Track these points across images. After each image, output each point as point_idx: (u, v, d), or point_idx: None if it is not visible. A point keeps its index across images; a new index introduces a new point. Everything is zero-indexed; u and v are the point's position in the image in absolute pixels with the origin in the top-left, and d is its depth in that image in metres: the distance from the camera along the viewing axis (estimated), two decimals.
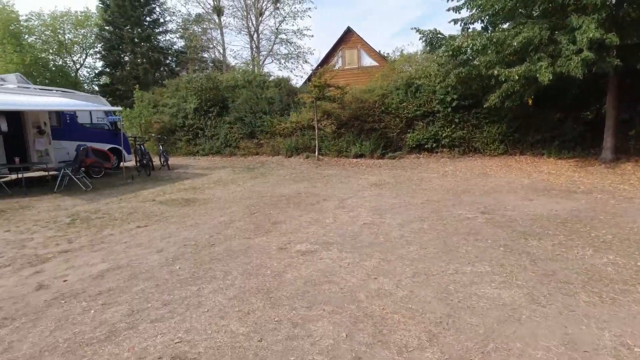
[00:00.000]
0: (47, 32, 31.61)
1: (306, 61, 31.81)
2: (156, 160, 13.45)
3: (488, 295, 3.25)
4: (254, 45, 30.57)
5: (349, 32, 22.04)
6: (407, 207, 6.56)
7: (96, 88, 31.03)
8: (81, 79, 34.36)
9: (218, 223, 5.89)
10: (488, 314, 2.95)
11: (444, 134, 12.70)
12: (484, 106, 11.20)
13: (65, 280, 3.86)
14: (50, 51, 32.45)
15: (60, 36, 32.34)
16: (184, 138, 17.27)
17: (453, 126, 12.67)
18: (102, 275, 3.95)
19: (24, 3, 39.81)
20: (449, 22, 10.87)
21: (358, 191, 8.20)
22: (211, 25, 30.34)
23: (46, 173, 11.30)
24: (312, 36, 48.81)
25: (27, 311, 3.23)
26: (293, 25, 33.50)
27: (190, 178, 10.92)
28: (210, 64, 31.72)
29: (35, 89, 11.33)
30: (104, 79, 30.18)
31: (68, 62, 34.16)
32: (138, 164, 12.52)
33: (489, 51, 9.58)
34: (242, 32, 31.23)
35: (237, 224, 5.82)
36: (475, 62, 10.12)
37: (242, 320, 2.93)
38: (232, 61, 31.74)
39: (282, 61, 30.51)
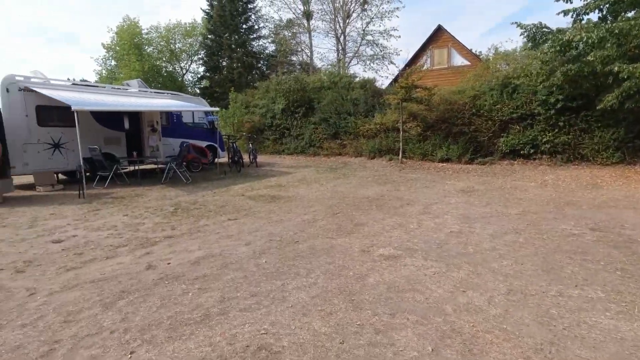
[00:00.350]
0: (161, 43, 35.86)
1: (392, 62, 31.32)
2: (246, 158, 14.38)
3: (602, 326, 2.83)
4: (340, 47, 30.97)
5: (439, 31, 21.12)
6: (500, 218, 6.05)
7: (197, 90, 34.29)
8: (186, 82, 38.27)
9: (302, 221, 6.07)
10: (603, 348, 2.56)
11: (545, 139, 11.44)
12: (597, 108, 9.85)
13: (169, 263, 4.31)
14: (163, 59, 36.72)
15: (171, 45, 36.42)
16: (271, 137, 18.20)
17: (556, 130, 11.34)
18: (198, 262, 4.32)
19: (146, 19, 45.98)
20: (558, 13, 9.75)
21: (444, 197, 7.80)
22: (300, 30, 31.50)
23: (155, 166, 12.80)
24: (399, 37, 47.85)
25: (139, 287, 3.67)
26: (380, 26, 33.13)
27: (276, 176, 11.46)
28: (298, 67, 32.94)
29: (151, 92, 12.91)
30: (204, 82, 33.20)
31: (176, 68, 38.32)
32: (230, 161, 13.51)
33: (608, 45, 8.40)
34: (330, 34, 31.68)
35: (320, 223, 5.93)
36: (589, 57, 8.94)
37: (324, 320, 2.96)
38: (318, 63, 32.59)
39: (368, 62, 30.40)
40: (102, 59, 35.62)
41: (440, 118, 13.52)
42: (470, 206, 6.93)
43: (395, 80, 19.22)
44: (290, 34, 31.76)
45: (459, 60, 20.43)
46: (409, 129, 13.95)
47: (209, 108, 14.29)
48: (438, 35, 21.17)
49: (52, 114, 9.66)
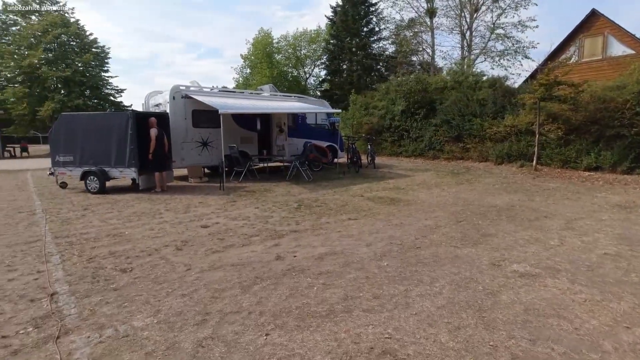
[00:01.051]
0: (289, 50, 38.83)
1: (527, 56, 27.94)
2: (364, 159, 14.55)
3: None
4: (466, 44, 28.95)
5: (592, 16, 18.05)
6: None
7: (318, 93, 36.12)
8: (308, 86, 40.67)
9: (423, 226, 5.87)
10: None
11: None
12: None
13: (295, 256, 4.62)
14: (290, 65, 39.70)
15: (297, 52, 39.14)
16: (389, 139, 18.07)
17: None
18: (321, 258, 4.53)
19: (277, 30, 51.02)
20: None
21: (593, 212, 6.65)
22: (422, 28, 30.46)
23: (281, 164, 13.89)
24: (537, 27, 42.45)
25: (270, 275, 4.02)
26: (513, 17, 29.84)
27: (394, 178, 11.32)
28: (418, 67, 31.96)
29: (280, 95, 14.07)
30: (325, 85, 34.73)
31: (300, 73, 41.02)
32: (349, 161, 13.84)
33: None
34: (454, 31, 29.78)
35: (443, 230, 5.64)
36: None
37: (452, 334, 2.80)
38: (440, 62, 31.15)
39: (497, 59, 27.73)
40: (239, 68, 40.24)
41: (588, 119, 11.59)
42: (632, 225, 5.76)
43: (532, 77, 17.12)
44: (411, 34, 31.00)
45: (618, 49, 17.16)
46: (546, 132, 12.30)
47: (330, 110, 14.89)
48: (591, 22, 18.12)
49: (203, 117, 11.29)
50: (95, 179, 9.42)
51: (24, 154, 28.93)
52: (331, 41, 32.90)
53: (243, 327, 2.97)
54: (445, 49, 75.64)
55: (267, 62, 36.66)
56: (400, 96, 17.48)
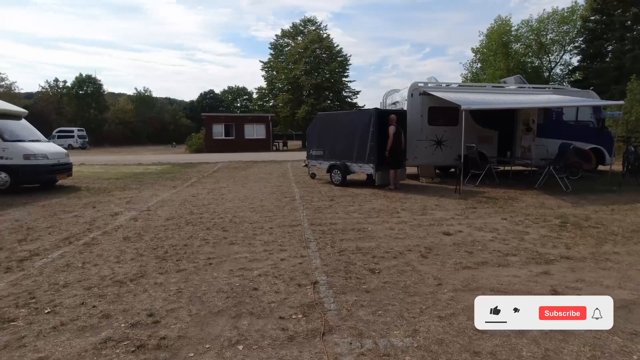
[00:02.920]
0: (530, 37, 33.47)
1: None
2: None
3: None
4: None
5: None
6: None
7: (565, 84, 29.62)
8: (553, 77, 34.04)
9: None
10: None
11: None
12: None
13: (578, 290, 3.43)
14: (529, 54, 34.23)
15: (542, 38, 33.28)
16: None
17: None
18: (628, 309, 3.17)
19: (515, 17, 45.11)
20: None
21: None
22: None
23: (525, 168, 11.82)
24: None
25: None
26: None
27: None
28: None
29: (529, 87, 11.95)
30: (577, 75, 28.12)
31: (543, 62, 34.77)
32: (625, 170, 10.45)
33: None
34: None
35: None
36: None
37: None
38: None
39: None
40: (468, 63, 37.64)
41: None
42: None
43: None
44: None
45: None
46: None
47: (601, 102, 11.61)
48: None
49: (439, 114, 10.75)
50: (339, 172, 10.37)
51: (285, 147, 36.21)
52: (591, 17, 26.23)
53: None
54: None
55: (503, 53, 32.69)
56: None
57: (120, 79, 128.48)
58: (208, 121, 33.27)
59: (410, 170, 11.84)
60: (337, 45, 38.87)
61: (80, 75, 51.23)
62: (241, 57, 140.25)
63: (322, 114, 11.68)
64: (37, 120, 43.01)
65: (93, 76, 51.83)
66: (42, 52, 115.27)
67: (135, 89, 63.88)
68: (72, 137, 39.95)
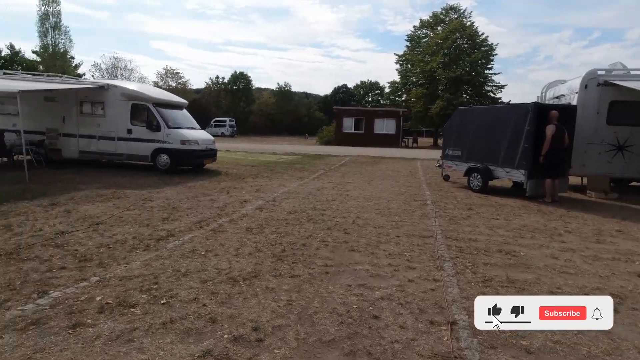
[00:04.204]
0: None
1: None
2: None
3: None
4: None
5: None
6: None
7: None
8: None
9: None
10: None
11: None
12: None
13: None
14: None
15: None
16: None
17: None
18: None
19: None
20: None
21: None
22: None
23: None
24: None
25: None
26: None
27: None
28: None
29: None
30: None
31: None
32: None
33: None
34: None
35: None
36: None
37: None
38: None
39: None
40: None
41: None
42: None
43: None
44: None
45: None
46: None
47: None
48: None
49: (626, 111, 8.30)
50: (479, 176, 8.94)
51: (414, 144, 34.55)
52: None
53: None
54: None
55: None
56: None
57: (266, 75, 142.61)
58: (339, 114, 33.91)
59: (574, 180, 9.56)
60: (482, 34, 35.05)
61: (235, 72, 58.33)
62: (375, 52, 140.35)
63: (464, 109, 10.27)
64: (202, 111, 50.55)
65: (245, 73, 58.46)
66: (210, 54, 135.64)
67: (278, 83, 69.80)
68: (225, 126, 45.70)
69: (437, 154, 21.32)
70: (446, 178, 10.81)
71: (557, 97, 10.01)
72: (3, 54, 38.38)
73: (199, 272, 3.69)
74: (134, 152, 10.64)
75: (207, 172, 11.41)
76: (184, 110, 12.22)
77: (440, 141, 37.61)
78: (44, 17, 35.19)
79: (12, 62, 33.50)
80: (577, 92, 8.69)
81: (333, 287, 3.46)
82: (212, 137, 11.99)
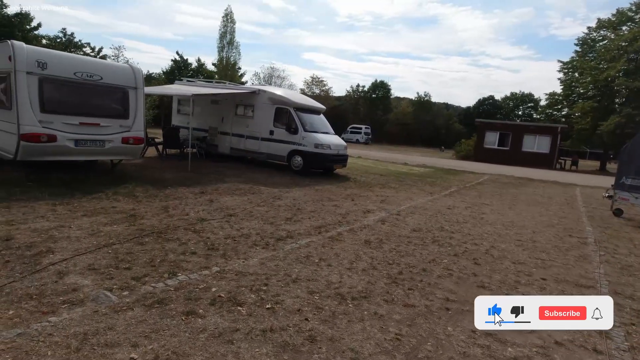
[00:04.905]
0: None
1: None
2: None
3: None
4: None
5: None
6: None
7: None
8: None
9: None
10: None
11: None
12: None
13: None
14: None
15: None
16: None
17: None
18: None
19: None
20: None
21: None
22: None
23: None
24: None
25: None
26: None
27: None
28: None
29: None
30: None
31: None
32: None
33: None
34: None
35: None
36: None
37: None
38: None
39: None
40: None
41: None
42: None
43: None
44: None
45: None
46: None
47: None
48: None
49: None
50: None
51: (573, 167, 29.17)
52: None
53: None
54: None
55: None
56: None
57: (407, 84, 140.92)
58: (481, 128, 30.96)
59: None
60: None
61: (375, 81, 59.17)
62: (533, 59, 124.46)
63: None
64: (340, 117, 52.98)
65: (384, 82, 58.82)
66: (355, 64, 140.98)
67: (417, 93, 68.14)
68: (360, 133, 46.69)
69: (603, 180, 17.47)
70: (618, 213, 8.59)
71: None
72: (193, 66, 46.96)
73: (308, 281, 3.58)
74: (273, 152, 11.54)
75: (336, 176, 11.61)
76: (321, 115, 12.72)
77: (611, 166, 30.82)
78: (222, 35, 41.91)
79: (198, 72, 40.77)
80: None
81: (453, 330, 2.92)
82: (344, 143, 12.17)
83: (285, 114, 11.35)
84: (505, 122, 37.04)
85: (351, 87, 63.09)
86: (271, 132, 11.54)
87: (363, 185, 10.24)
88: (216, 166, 11.15)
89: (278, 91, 12.36)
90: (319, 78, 55.78)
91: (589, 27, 33.61)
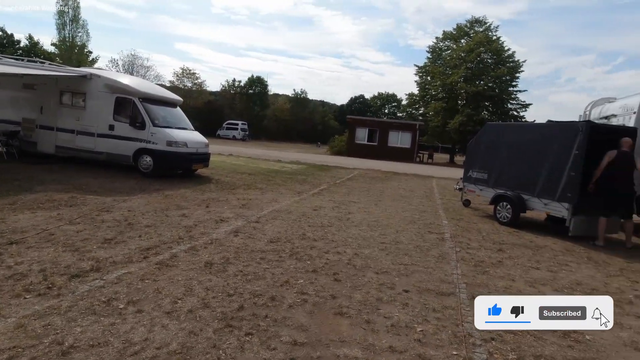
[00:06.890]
0: None
1: None
2: None
3: None
4: None
5: None
6: None
7: None
8: None
9: None
10: None
11: None
12: None
13: None
14: None
15: None
16: None
17: None
18: None
19: None
20: None
21: None
22: None
23: None
24: None
25: None
26: None
27: None
28: None
29: None
30: None
31: None
32: None
33: None
34: None
35: None
36: None
37: None
38: None
39: None
40: None
41: None
42: None
43: None
44: None
45: None
46: None
47: None
48: None
49: None
50: (509, 207, 7.46)
51: (430, 160, 32.91)
52: None
53: None
54: None
55: None
56: None
57: (286, 82, 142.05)
58: (352, 124, 32.59)
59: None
60: (508, 49, 33.38)
61: (252, 76, 57.70)
62: (395, 65, 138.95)
63: (495, 124, 8.91)
64: (215, 113, 49.93)
65: (262, 78, 57.81)
66: (233, 58, 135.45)
67: (294, 90, 69.06)
68: (237, 129, 44.83)
69: (453, 172, 19.84)
70: (466, 203, 9.34)
71: (606, 117, 8.48)
72: (22, 44, 38.22)
73: (91, 348, 2.36)
74: (115, 151, 9.48)
75: (197, 178, 10.18)
76: (178, 109, 11.07)
77: (457, 159, 35.83)
78: (61, 11, 35.14)
79: (30, 53, 33.35)
80: (635, 112, 7.19)
81: None
82: (205, 140, 10.76)
83: (129, 106, 9.43)
84: (373, 119, 39.90)
85: (227, 81, 60.29)
86: (111, 127, 9.49)
87: (225, 188, 9.08)
88: (34, 170, 8.66)
89: (119, 77, 10.26)
90: (190, 70, 51.58)
91: (437, 37, 38.44)
